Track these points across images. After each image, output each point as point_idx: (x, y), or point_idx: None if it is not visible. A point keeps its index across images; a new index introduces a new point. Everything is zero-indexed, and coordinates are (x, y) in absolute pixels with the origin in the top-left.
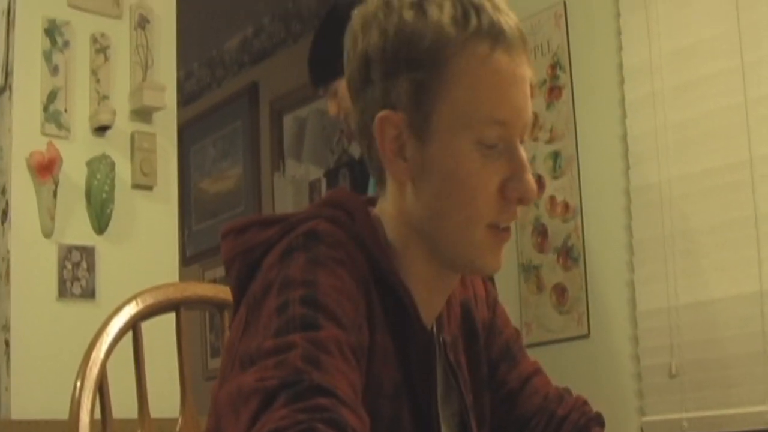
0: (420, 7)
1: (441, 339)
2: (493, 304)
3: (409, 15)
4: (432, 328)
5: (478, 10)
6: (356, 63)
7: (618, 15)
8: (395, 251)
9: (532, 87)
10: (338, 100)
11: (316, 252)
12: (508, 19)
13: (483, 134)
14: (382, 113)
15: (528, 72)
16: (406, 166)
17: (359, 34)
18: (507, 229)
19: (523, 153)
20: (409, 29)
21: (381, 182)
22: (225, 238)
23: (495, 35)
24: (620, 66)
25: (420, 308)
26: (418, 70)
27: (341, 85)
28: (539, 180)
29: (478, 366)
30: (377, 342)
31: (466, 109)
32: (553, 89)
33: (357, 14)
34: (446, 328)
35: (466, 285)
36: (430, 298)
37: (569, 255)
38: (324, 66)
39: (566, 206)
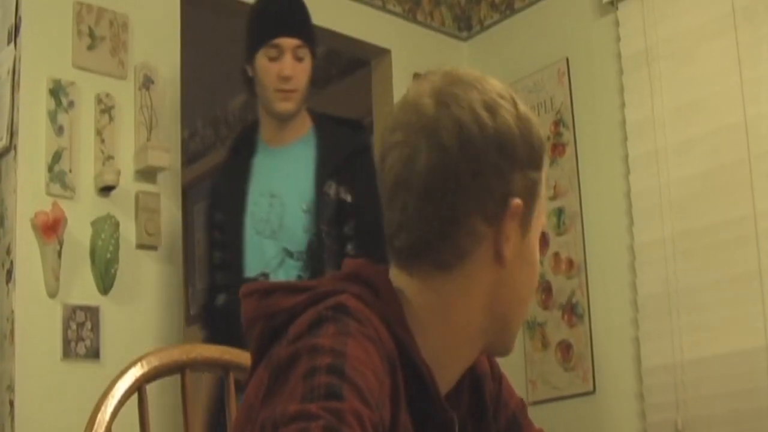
0: (531, 115)
1: (455, 416)
2: (498, 377)
3: (531, 116)
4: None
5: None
6: (485, 142)
7: (621, 72)
8: (418, 329)
9: None
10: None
11: (346, 324)
12: None
13: (543, 231)
14: (518, 201)
15: None
16: (509, 253)
17: (485, 115)
18: None
19: None
20: (533, 129)
21: (443, 267)
22: (248, 297)
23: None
24: (623, 123)
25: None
26: (536, 167)
27: None
28: (543, 237)
29: None
30: (400, 421)
31: (542, 210)
32: (556, 146)
33: (468, 92)
34: (460, 404)
35: (478, 364)
36: (448, 376)
37: (574, 311)
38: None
39: (570, 263)
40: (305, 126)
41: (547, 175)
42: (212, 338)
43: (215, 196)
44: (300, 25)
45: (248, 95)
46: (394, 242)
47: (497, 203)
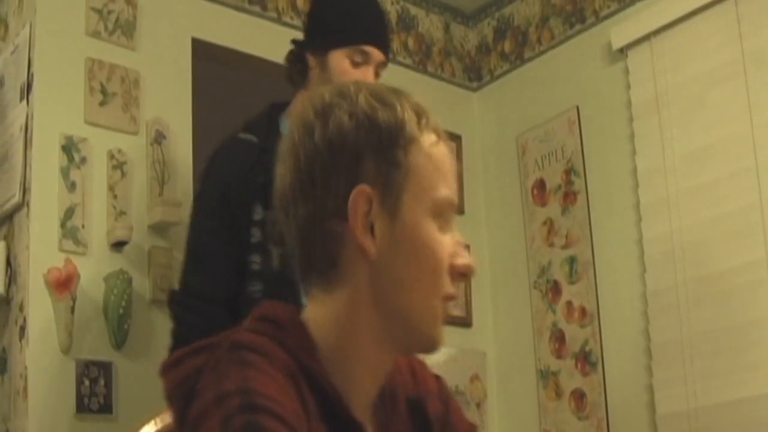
0: (381, 100)
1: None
2: (446, 399)
3: (374, 103)
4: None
5: (426, 112)
6: (315, 150)
7: (631, 119)
8: (328, 350)
9: None
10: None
11: (241, 356)
12: (439, 123)
13: (438, 209)
14: (360, 187)
15: None
16: (376, 242)
17: (316, 124)
18: (449, 306)
19: None
20: (378, 114)
21: (325, 279)
22: (164, 374)
23: (437, 130)
24: (634, 170)
25: (351, 400)
26: (389, 151)
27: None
28: (556, 286)
29: None
30: (313, 429)
31: (426, 185)
32: (568, 194)
33: (306, 107)
34: (390, 418)
35: (418, 381)
36: (364, 388)
37: (587, 360)
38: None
39: (583, 311)
40: None
41: (429, 150)
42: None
43: (251, 184)
44: (389, 44)
45: (292, 82)
46: (295, 272)
47: (344, 198)
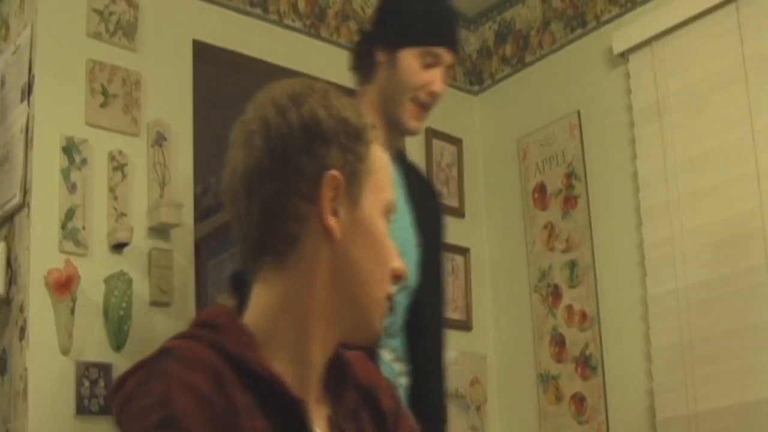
0: (348, 101)
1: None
2: (399, 400)
3: (343, 101)
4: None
5: (375, 127)
6: (290, 129)
7: (632, 124)
8: (274, 333)
9: None
10: None
11: (163, 367)
12: None
13: (386, 209)
14: (333, 172)
15: None
16: (339, 227)
17: (291, 107)
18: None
19: None
20: (347, 111)
21: (281, 259)
22: (111, 399)
23: (383, 144)
24: (635, 174)
25: (301, 378)
26: (357, 145)
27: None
28: (556, 289)
29: None
30: (245, 427)
31: (380, 185)
32: (568, 198)
33: (275, 93)
34: (341, 390)
35: (369, 374)
36: (315, 363)
37: (587, 364)
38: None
39: (584, 315)
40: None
41: (381, 155)
42: None
43: None
44: (459, 45)
45: (358, 77)
46: (243, 255)
47: (313, 181)
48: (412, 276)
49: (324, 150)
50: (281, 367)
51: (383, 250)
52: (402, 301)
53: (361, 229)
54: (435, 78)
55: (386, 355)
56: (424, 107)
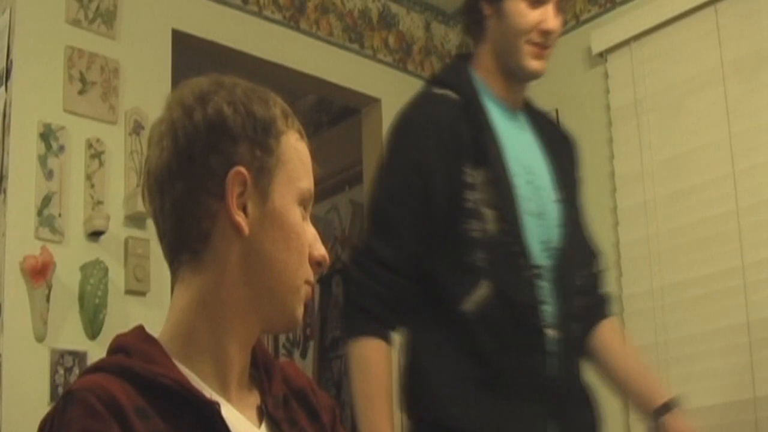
0: (256, 94)
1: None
2: (333, 403)
3: (250, 95)
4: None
5: (290, 113)
6: (195, 128)
7: (610, 124)
8: (193, 335)
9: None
10: None
11: (66, 421)
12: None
13: (301, 198)
14: (238, 168)
15: None
16: (248, 221)
17: (196, 107)
18: (311, 287)
19: None
20: (254, 106)
21: (195, 257)
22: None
23: (300, 131)
24: (612, 174)
25: (224, 376)
26: (264, 139)
27: None
28: None
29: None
30: None
31: (293, 175)
32: None
33: (183, 92)
34: (268, 383)
35: (304, 380)
36: (238, 361)
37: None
38: None
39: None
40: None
41: (295, 144)
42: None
43: (458, 142)
44: None
45: (470, 35)
46: (165, 256)
47: (220, 178)
48: (554, 236)
49: (230, 147)
50: (200, 367)
51: (297, 239)
52: (548, 263)
53: (273, 222)
54: (545, 15)
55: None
56: (541, 47)
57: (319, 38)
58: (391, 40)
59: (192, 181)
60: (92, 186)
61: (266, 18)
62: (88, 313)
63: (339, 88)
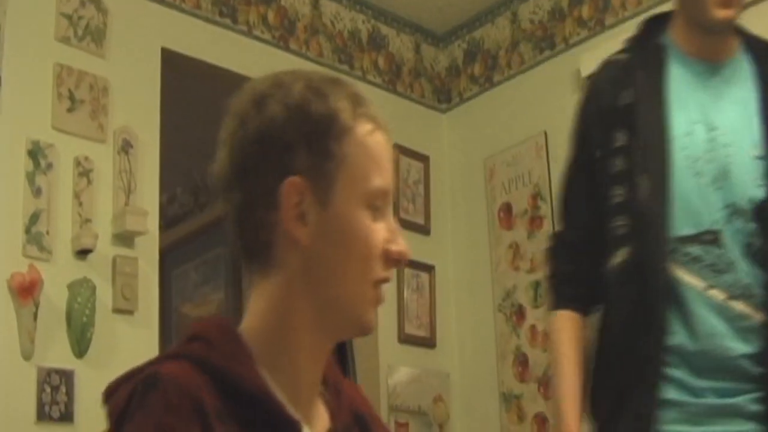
0: (316, 91)
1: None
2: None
3: (308, 93)
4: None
5: (363, 101)
6: (247, 140)
7: None
8: (269, 343)
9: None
10: None
11: (145, 401)
12: (379, 112)
13: (372, 198)
14: (292, 179)
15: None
16: (308, 231)
17: (251, 113)
18: (382, 290)
19: None
20: (311, 104)
21: (263, 267)
22: (104, 403)
23: (374, 119)
24: None
25: (295, 394)
26: (321, 142)
27: None
28: (520, 309)
29: None
30: None
31: (359, 176)
32: (534, 219)
33: (241, 97)
34: (337, 406)
35: (365, 406)
36: (308, 376)
37: (551, 385)
38: None
39: (547, 335)
40: (734, 44)
41: (364, 139)
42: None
43: (612, 107)
44: None
45: None
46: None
47: (275, 189)
48: (745, 196)
49: (285, 156)
50: (276, 377)
51: (362, 243)
52: (737, 227)
53: (334, 228)
54: None
55: (718, 296)
56: None
57: (308, 58)
58: (381, 61)
59: (248, 194)
60: (80, 204)
61: (256, 37)
62: (75, 331)
63: None
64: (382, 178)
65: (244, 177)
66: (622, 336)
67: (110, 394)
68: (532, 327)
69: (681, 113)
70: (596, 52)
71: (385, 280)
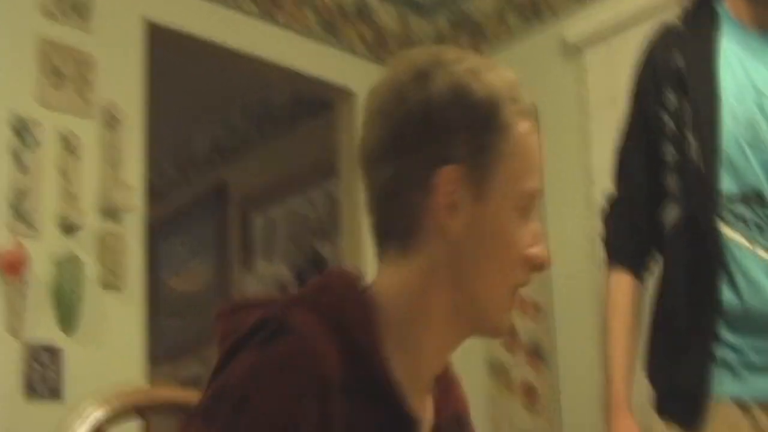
0: (478, 73)
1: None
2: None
3: (471, 78)
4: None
5: (521, 96)
6: (411, 116)
7: (587, 117)
8: (397, 321)
9: None
10: None
11: (271, 354)
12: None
13: (523, 200)
14: (451, 166)
15: None
16: (458, 222)
17: (412, 87)
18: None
19: None
20: (476, 92)
21: (403, 248)
22: (218, 319)
23: (532, 116)
24: (590, 167)
25: (412, 381)
26: (483, 129)
27: None
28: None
29: None
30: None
31: (516, 174)
32: None
33: (400, 67)
34: (444, 403)
35: (465, 407)
36: (429, 364)
37: (539, 354)
38: None
39: (536, 306)
40: None
41: (521, 139)
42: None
43: (665, 68)
44: None
45: None
46: (371, 227)
47: (429, 172)
48: None
49: (445, 139)
50: (399, 361)
51: (508, 246)
52: None
53: (483, 225)
54: None
55: (764, 255)
56: None
57: (295, 31)
58: (367, 33)
59: (399, 171)
60: (67, 180)
61: (242, 10)
62: (63, 308)
63: (313, 81)
64: (534, 181)
65: (398, 155)
66: (677, 296)
67: (226, 314)
68: (521, 297)
69: (731, 78)
70: (584, 22)
71: (523, 285)
